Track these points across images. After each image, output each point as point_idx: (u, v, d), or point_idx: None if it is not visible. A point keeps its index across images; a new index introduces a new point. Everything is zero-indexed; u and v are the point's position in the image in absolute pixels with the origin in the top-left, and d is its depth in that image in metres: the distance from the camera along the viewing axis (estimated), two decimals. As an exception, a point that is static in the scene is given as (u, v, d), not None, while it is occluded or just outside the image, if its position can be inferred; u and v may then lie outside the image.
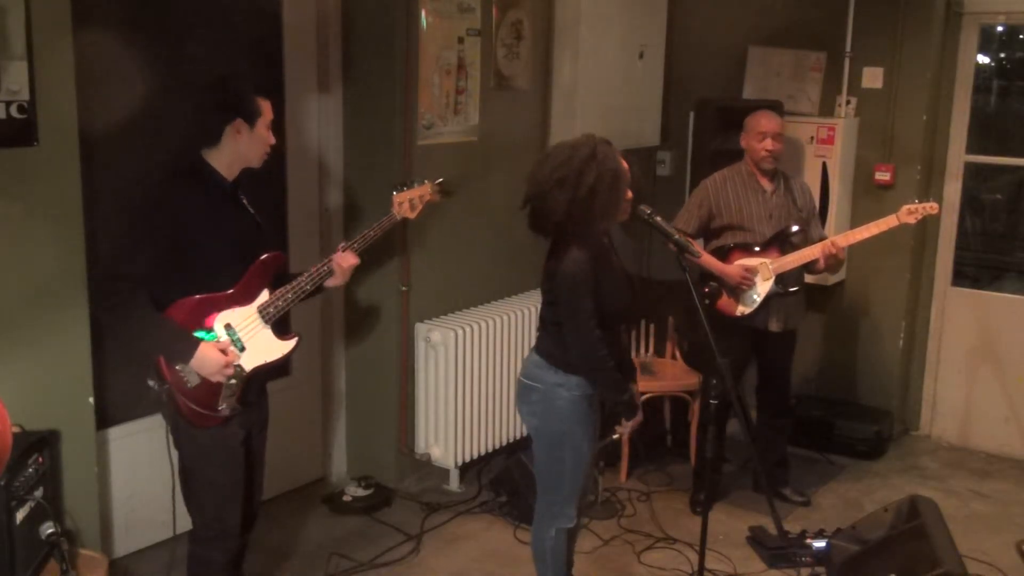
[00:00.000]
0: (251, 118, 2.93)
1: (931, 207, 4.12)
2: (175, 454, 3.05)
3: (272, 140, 3.03)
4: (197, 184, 2.93)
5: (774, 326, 4.32)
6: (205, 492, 3.02)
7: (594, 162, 2.96)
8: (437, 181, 3.42)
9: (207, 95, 2.98)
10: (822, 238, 4.28)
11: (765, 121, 4.25)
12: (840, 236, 4.23)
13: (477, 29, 4.51)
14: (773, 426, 4.55)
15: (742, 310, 4.25)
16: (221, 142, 2.94)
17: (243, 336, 2.95)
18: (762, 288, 4.25)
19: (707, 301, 4.21)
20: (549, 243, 3.12)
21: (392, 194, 3.33)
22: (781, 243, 4.25)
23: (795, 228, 4.26)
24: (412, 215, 3.36)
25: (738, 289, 4.22)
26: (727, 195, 4.31)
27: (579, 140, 3.05)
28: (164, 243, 2.84)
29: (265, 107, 2.97)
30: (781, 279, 4.25)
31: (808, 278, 4.53)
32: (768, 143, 4.23)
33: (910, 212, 4.12)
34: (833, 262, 4.21)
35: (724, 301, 4.27)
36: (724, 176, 4.37)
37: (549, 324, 3.17)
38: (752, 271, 4.23)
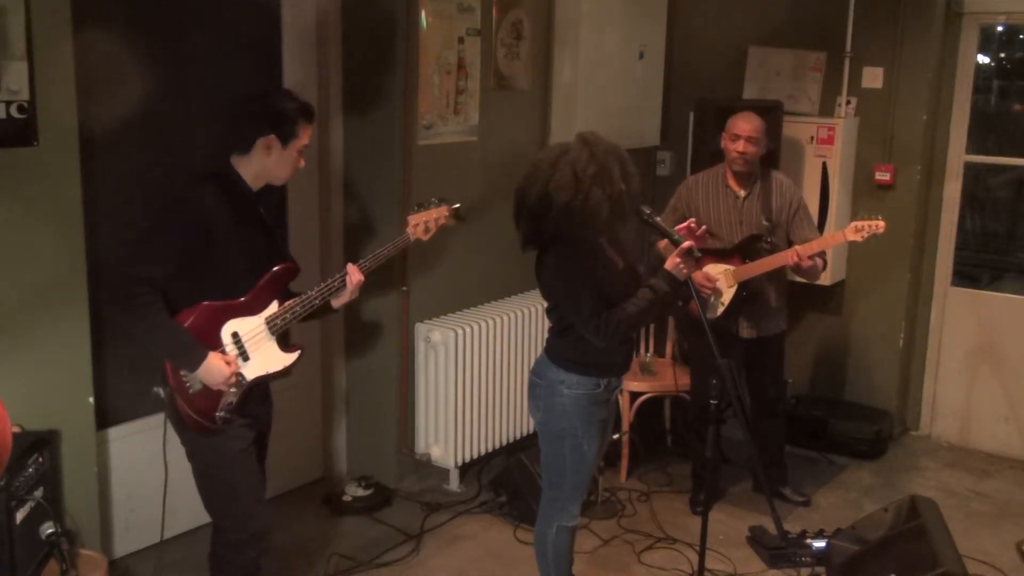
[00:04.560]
0: (285, 138, 2.93)
1: (878, 225, 3.99)
2: (179, 460, 3.06)
3: (302, 164, 3.02)
4: (223, 189, 2.92)
5: (745, 332, 4.31)
6: (228, 497, 3.02)
7: (599, 148, 2.95)
8: (454, 206, 3.37)
9: (248, 102, 2.98)
10: (806, 239, 4.24)
11: (741, 123, 4.19)
12: (803, 246, 4.11)
13: (477, 29, 4.51)
14: (762, 428, 4.54)
15: (709, 315, 4.23)
16: (251, 152, 2.94)
17: (248, 346, 2.95)
18: (726, 295, 4.24)
19: (680, 303, 4.19)
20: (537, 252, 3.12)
21: (407, 215, 3.30)
22: (748, 250, 4.23)
23: (763, 236, 4.21)
24: (426, 238, 3.32)
25: (700, 293, 4.19)
26: (698, 199, 4.30)
27: (567, 143, 3.03)
28: (182, 243, 2.83)
29: (304, 132, 2.97)
30: (745, 286, 4.23)
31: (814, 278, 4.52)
32: (740, 145, 4.17)
33: (857, 230, 4.01)
34: (801, 272, 4.17)
35: (694, 304, 4.25)
36: (699, 179, 4.37)
37: (552, 326, 3.21)
38: (713, 278, 4.21)
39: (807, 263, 4.09)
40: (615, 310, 3.01)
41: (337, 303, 3.16)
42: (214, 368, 2.86)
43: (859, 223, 4.03)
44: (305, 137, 2.98)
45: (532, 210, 3.01)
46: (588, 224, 2.96)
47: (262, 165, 2.96)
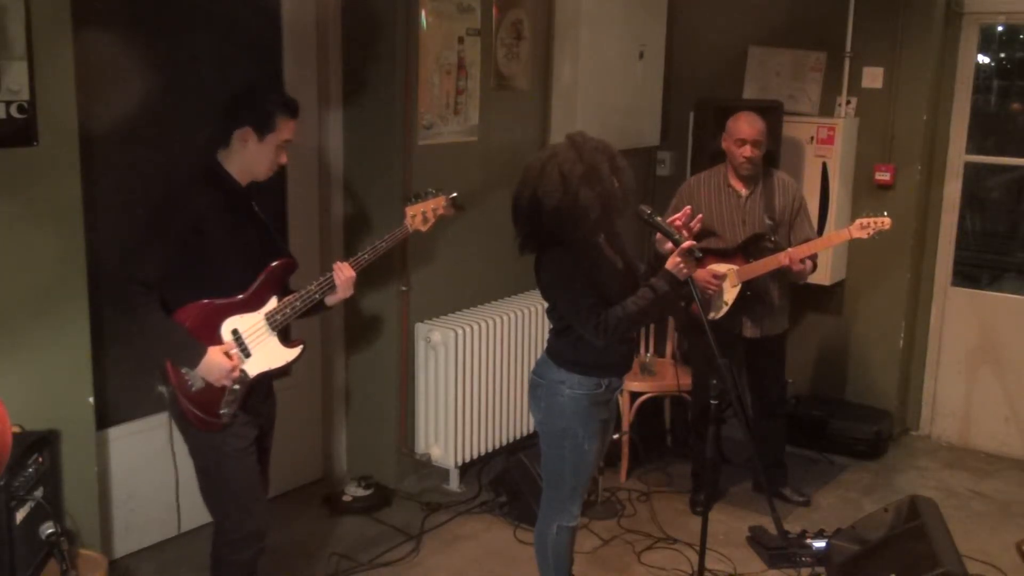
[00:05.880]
0: (261, 130, 2.92)
1: (883, 222, 4.02)
2: (186, 458, 3.06)
3: (282, 160, 3.01)
4: (214, 186, 2.93)
5: (749, 332, 4.31)
6: (227, 494, 3.02)
7: (587, 147, 2.96)
8: (451, 196, 3.35)
9: (229, 98, 2.97)
10: (807, 238, 4.25)
11: (745, 127, 4.17)
12: (794, 249, 4.12)
13: (477, 29, 4.51)
14: (763, 428, 4.54)
15: (712, 315, 4.24)
16: (231, 146, 2.94)
17: (249, 343, 2.95)
18: (729, 295, 4.24)
19: (683, 303, 4.18)
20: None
21: (404, 206, 3.29)
22: (751, 250, 4.23)
23: (766, 235, 4.21)
24: (424, 228, 3.30)
25: (704, 293, 4.19)
26: (699, 199, 4.27)
27: (556, 145, 3.05)
28: (177, 243, 2.83)
29: (284, 126, 2.95)
30: (748, 286, 4.23)
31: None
32: (747, 150, 4.16)
33: (862, 227, 4.03)
34: (791, 275, 4.16)
35: (696, 305, 4.25)
36: (700, 179, 4.37)
37: (553, 327, 3.22)
38: (720, 277, 4.21)
39: (798, 267, 4.09)
40: (615, 309, 3.02)
41: (331, 301, 3.15)
42: (214, 364, 2.86)
43: (864, 220, 4.05)
44: (286, 132, 2.97)
45: (525, 214, 3.04)
46: (579, 224, 2.97)
47: (241, 158, 2.95)
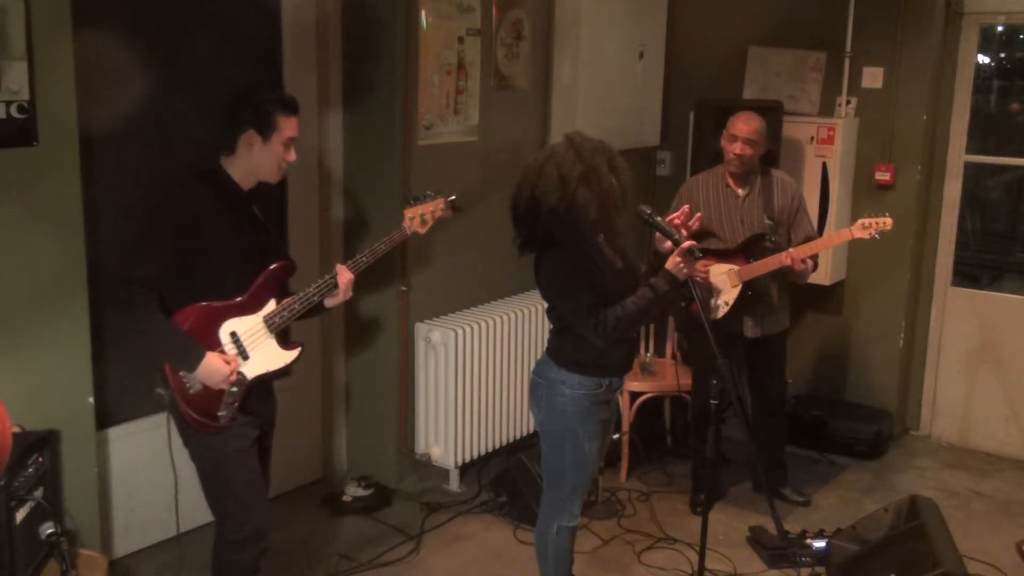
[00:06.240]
0: (265, 132, 2.93)
1: (885, 222, 4.04)
2: (186, 459, 3.06)
3: (290, 158, 3.02)
4: (213, 189, 2.94)
5: (749, 332, 4.31)
6: (227, 495, 3.03)
7: (585, 147, 2.97)
8: (450, 198, 3.38)
9: (230, 102, 2.98)
10: (808, 237, 4.26)
11: (740, 124, 4.18)
12: (796, 249, 4.13)
13: (477, 29, 4.51)
14: (762, 427, 4.54)
15: (712, 315, 4.23)
16: (236, 151, 2.95)
17: (248, 345, 2.96)
18: (730, 295, 4.23)
19: (683, 304, 4.17)
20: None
21: (403, 209, 3.30)
22: (751, 250, 4.22)
23: (766, 235, 4.21)
24: (423, 231, 3.33)
25: (696, 284, 4.17)
26: (698, 200, 4.26)
27: (554, 145, 3.05)
28: (175, 244, 2.84)
29: (286, 125, 2.96)
30: (749, 286, 4.23)
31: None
32: (737, 147, 4.16)
33: (864, 227, 4.05)
34: (792, 275, 4.17)
35: (696, 305, 4.24)
36: (699, 180, 4.37)
37: (553, 327, 3.22)
38: (707, 265, 4.20)
39: (799, 266, 4.09)
40: (614, 308, 3.02)
41: (331, 303, 3.16)
42: (212, 368, 2.87)
43: (866, 220, 4.06)
44: (288, 129, 2.97)
45: (524, 214, 3.04)
46: (578, 225, 2.97)
47: (247, 162, 2.96)
